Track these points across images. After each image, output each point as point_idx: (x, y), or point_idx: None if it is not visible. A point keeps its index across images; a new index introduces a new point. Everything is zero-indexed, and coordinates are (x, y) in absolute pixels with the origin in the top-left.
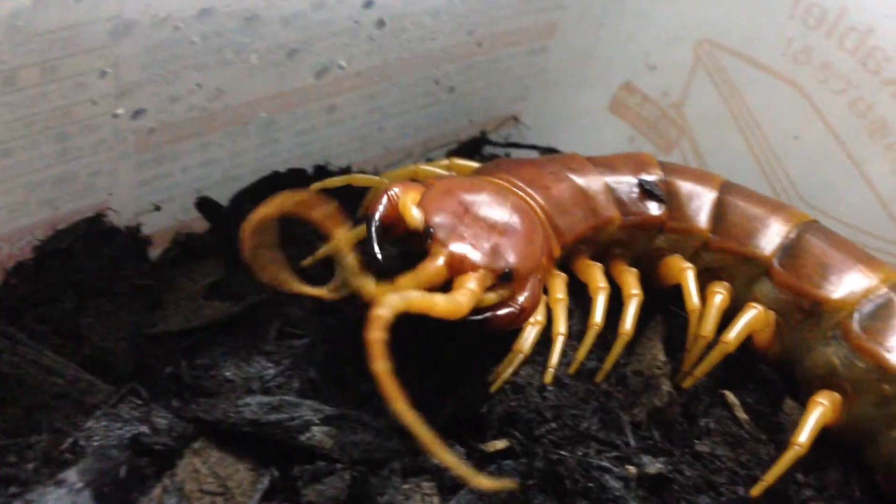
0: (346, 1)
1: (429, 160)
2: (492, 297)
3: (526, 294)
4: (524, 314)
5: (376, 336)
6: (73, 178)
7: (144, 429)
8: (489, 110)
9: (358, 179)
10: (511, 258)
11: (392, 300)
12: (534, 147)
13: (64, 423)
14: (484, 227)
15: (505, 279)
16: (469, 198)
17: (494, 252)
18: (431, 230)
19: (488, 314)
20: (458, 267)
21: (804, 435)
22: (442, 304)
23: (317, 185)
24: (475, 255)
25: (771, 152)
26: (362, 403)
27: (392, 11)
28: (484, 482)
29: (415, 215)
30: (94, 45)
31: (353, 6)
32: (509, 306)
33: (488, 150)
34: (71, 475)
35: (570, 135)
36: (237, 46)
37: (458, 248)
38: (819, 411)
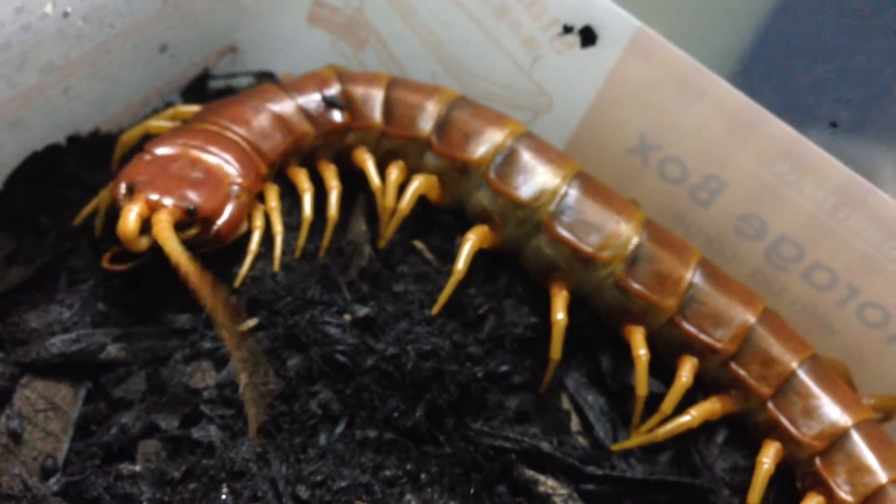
0: (46, 18)
1: (166, 104)
2: (191, 231)
3: (221, 219)
4: (223, 233)
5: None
6: None
7: None
8: (207, 49)
9: (152, 127)
10: (194, 197)
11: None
12: (249, 73)
13: None
14: (173, 178)
15: (192, 213)
16: (165, 155)
17: (180, 195)
18: (133, 187)
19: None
20: (151, 206)
21: (460, 263)
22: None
23: (124, 139)
24: (162, 198)
25: (436, 39)
26: (143, 319)
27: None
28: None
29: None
30: None
31: (55, 19)
32: (209, 231)
33: (212, 84)
34: None
35: (281, 51)
36: None
37: (149, 195)
38: (469, 243)
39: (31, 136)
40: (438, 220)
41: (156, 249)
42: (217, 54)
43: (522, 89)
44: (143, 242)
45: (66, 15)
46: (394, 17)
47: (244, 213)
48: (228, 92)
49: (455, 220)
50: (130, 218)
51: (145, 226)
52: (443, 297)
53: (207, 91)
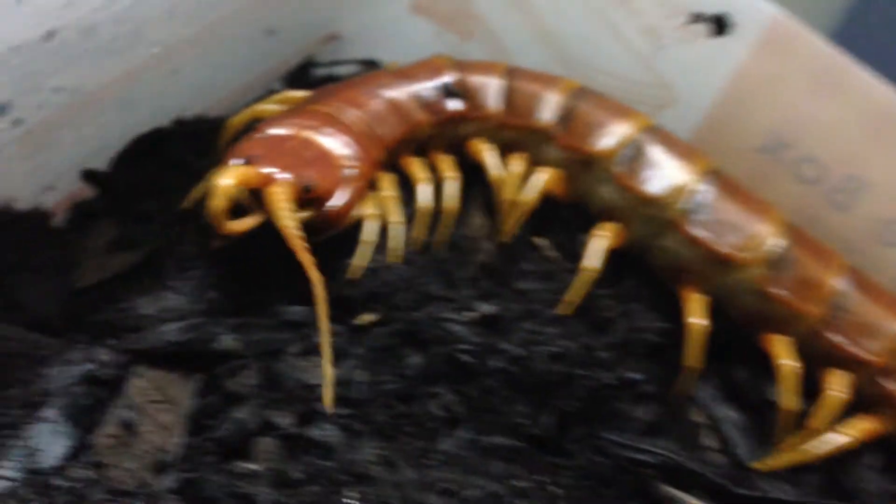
0: None
1: (268, 91)
2: (304, 213)
3: (335, 201)
4: (336, 216)
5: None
6: None
7: (92, 366)
8: (311, 37)
9: (260, 111)
10: (310, 174)
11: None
12: (353, 61)
13: (28, 375)
14: (288, 154)
15: (307, 191)
16: (279, 135)
17: (296, 171)
18: (247, 161)
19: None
20: (265, 180)
21: (588, 260)
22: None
23: (231, 123)
24: (278, 172)
25: (548, 29)
26: (257, 309)
27: None
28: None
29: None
30: None
31: None
32: (320, 213)
33: (315, 71)
34: (48, 412)
35: (384, 40)
36: (81, 51)
37: (264, 168)
38: (598, 241)
39: (138, 117)
40: (559, 216)
41: (260, 235)
42: (320, 41)
43: (642, 82)
44: (246, 222)
45: None
46: (504, 6)
47: (358, 197)
48: (331, 80)
49: (576, 215)
50: (232, 175)
51: (251, 204)
52: (574, 296)
53: (310, 79)
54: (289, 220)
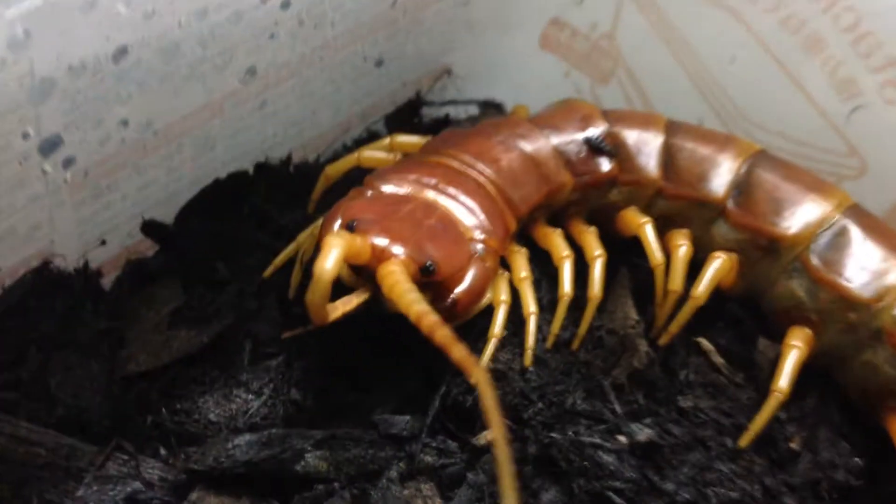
0: (262, 7)
1: (369, 131)
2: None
3: (461, 286)
4: (461, 306)
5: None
6: (10, 233)
7: (137, 485)
8: (421, 70)
9: (365, 159)
10: (432, 251)
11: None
12: (472, 101)
13: (55, 495)
14: (405, 222)
15: (429, 272)
16: (393, 194)
17: (415, 245)
18: (352, 226)
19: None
20: (378, 254)
21: (784, 380)
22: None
23: (329, 171)
24: (393, 245)
25: (708, 75)
26: (349, 416)
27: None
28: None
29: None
30: (10, 107)
31: (271, 10)
32: (443, 300)
33: (426, 111)
34: None
35: (504, 78)
36: (159, 76)
37: (376, 238)
38: (795, 354)
39: (214, 157)
40: (725, 311)
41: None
42: (431, 76)
43: (825, 147)
44: (348, 303)
45: (286, 6)
46: (653, 46)
47: (489, 282)
48: (444, 124)
49: (745, 311)
50: (338, 250)
51: (350, 278)
52: (760, 424)
53: (419, 120)
54: (417, 303)
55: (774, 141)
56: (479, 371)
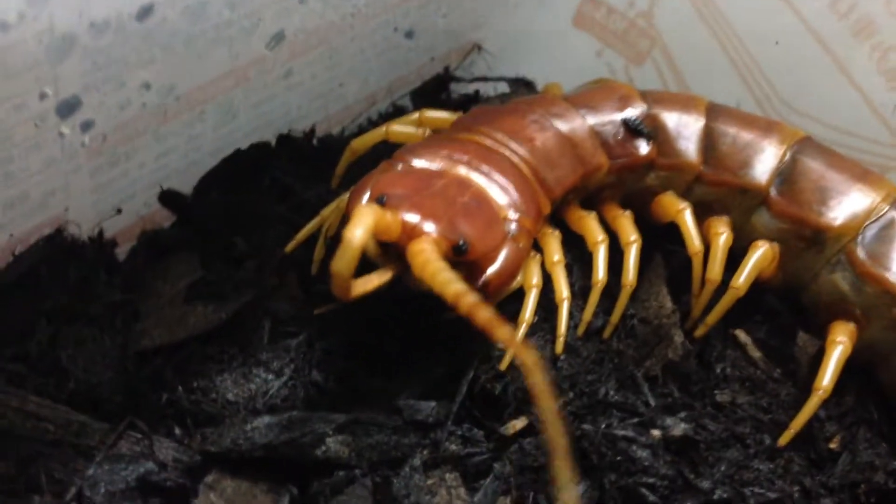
0: None
1: (394, 106)
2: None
3: (493, 267)
4: (492, 287)
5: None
6: (23, 199)
7: (150, 465)
8: (450, 44)
9: (393, 133)
10: (466, 229)
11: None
12: (502, 79)
13: (63, 473)
14: (437, 198)
15: (461, 251)
16: (425, 169)
17: (448, 223)
18: (383, 200)
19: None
20: (409, 230)
21: (827, 379)
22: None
23: (355, 145)
24: (425, 222)
25: (750, 58)
26: (373, 401)
27: None
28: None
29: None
30: (28, 65)
31: None
32: (474, 281)
33: (454, 87)
34: None
35: (536, 55)
36: (184, 37)
37: (407, 214)
38: (839, 351)
39: (236, 127)
40: (763, 303)
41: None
42: (460, 51)
43: (869, 137)
44: (373, 280)
45: None
46: (693, 26)
47: (521, 263)
48: (472, 101)
49: (783, 303)
50: (368, 223)
51: (377, 255)
52: (801, 423)
53: (448, 96)
54: (454, 282)
55: (816, 128)
56: (528, 352)
